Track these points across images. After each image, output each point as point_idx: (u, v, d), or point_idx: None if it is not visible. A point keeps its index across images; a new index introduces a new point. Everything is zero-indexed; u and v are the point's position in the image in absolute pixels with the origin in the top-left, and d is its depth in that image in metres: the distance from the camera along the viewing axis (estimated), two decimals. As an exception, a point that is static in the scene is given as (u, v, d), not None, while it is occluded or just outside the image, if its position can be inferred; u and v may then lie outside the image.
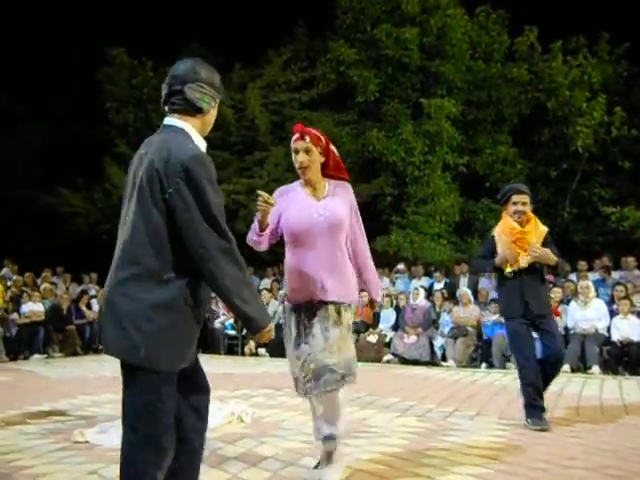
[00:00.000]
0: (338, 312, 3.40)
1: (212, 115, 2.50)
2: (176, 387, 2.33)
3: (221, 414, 5.22)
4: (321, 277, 3.35)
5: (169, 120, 2.42)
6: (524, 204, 4.98)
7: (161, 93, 2.45)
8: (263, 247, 3.52)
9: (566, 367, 8.77)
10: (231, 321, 11.97)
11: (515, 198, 4.99)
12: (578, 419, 5.36)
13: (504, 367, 9.14)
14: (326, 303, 3.37)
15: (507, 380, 7.53)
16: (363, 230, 3.62)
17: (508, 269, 4.99)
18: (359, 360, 10.14)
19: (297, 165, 3.44)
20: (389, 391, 6.91)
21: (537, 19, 16.26)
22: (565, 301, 9.93)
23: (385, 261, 14.41)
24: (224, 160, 16.01)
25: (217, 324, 11.95)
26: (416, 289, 10.80)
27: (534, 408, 4.90)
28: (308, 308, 3.41)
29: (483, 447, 4.36)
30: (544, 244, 4.96)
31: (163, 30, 18.50)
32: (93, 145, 17.06)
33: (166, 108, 2.44)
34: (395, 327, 10.51)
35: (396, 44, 16.11)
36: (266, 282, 13.72)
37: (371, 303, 3.90)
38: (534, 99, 16.34)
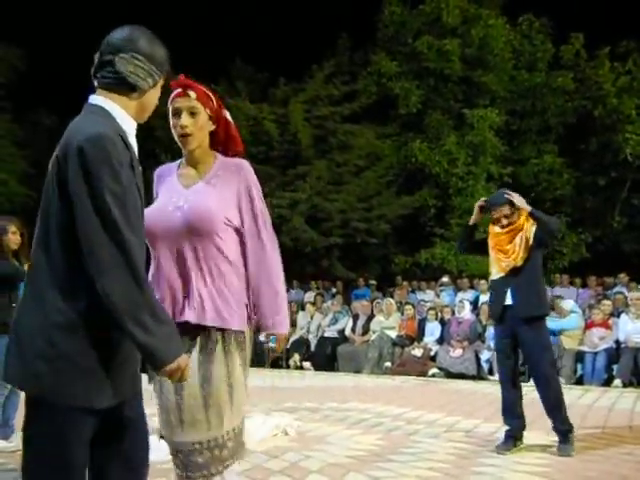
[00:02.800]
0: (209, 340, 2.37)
1: (151, 97, 2.01)
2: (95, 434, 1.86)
3: (266, 427, 5.23)
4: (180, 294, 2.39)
5: (92, 98, 1.94)
6: (506, 216, 4.72)
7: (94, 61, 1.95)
8: None
9: (617, 382, 8.54)
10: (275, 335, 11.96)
11: (494, 214, 4.80)
12: (631, 435, 5.20)
13: (553, 381, 8.93)
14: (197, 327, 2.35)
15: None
16: (266, 228, 2.49)
17: (493, 275, 4.88)
18: (403, 374, 10.04)
19: (177, 131, 2.47)
20: (435, 406, 6.82)
21: (582, 25, 16.05)
22: (616, 314, 9.68)
23: (429, 274, 14.30)
24: (267, 174, 16.13)
25: (261, 337, 11.98)
26: (461, 302, 10.67)
27: (505, 433, 4.71)
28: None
29: (532, 464, 4.26)
30: (534, 240, 4.64)
31: (207, 48, 18.80)
32: (140, 161, 17.32)
33: (95, 82, 1.96)
34: (440, 340, 10.38)
35: (438, 56, 16.08)
36: (310, 295, 13.73)
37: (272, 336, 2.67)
38: (580, 107, 16.07)
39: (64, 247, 1.79)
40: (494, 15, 16.41)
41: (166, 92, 2.21)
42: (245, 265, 2.47)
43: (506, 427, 4.75)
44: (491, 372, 9.67)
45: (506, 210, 4.73)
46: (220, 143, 2.55)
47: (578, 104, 16.15)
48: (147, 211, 2.22)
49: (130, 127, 1.95)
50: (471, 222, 4.99)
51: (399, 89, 16.09)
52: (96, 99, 1.93)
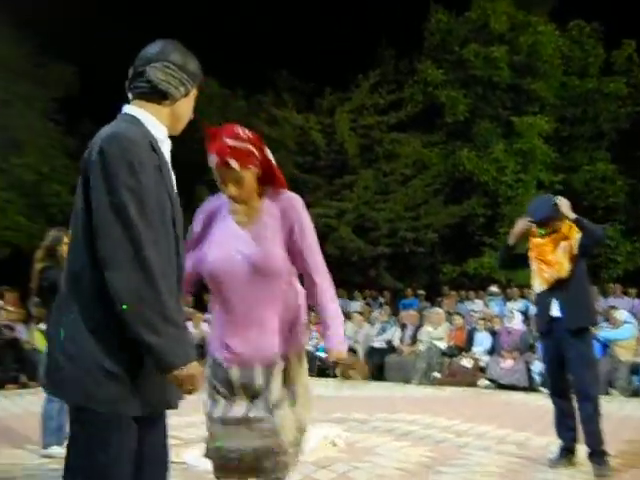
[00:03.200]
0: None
1: (184, 107, 2.00)
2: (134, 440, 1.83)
3: (314, 438, 5.21)
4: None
5: (125, 108, 1.96)
6: (553, 232, 4.57)
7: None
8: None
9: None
10: (323, 344, 11.99)
11: (542, 230, 4.63)
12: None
13: (607, 393, 8.69)
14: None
15: (609, 408, 7.15)
16: (314, 252, 2.58)
17: (536, 287, 4.70)
18: (453, 385, 9.93)
19: (226, 196, 2.52)
20: (485, 418, 6.70)
21: (634, 30, 15.66)
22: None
23: (478, 283, 14.11)
24: (314, 184, 16.21)
25: (310, 346, 12.00)
26: (511, 312, 10.49)
27: (559, 447, 4.58)
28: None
29: (588, 478, 4.14)
30: (579, 250, 4.46)
31: (253, 60, 19.05)
32: (187, 174, 17.67)
33: (129, 94, 1.98)
34: (490, 351, 10.22)
35: (485, 63, 15.93)
36: (356, 305, 13.69)
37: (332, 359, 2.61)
38: (634, 113, 15.68)
39: (89, 252, 1.76)
40: (543, 21, 16.17)
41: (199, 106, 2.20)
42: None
43: (559, 441, 4.63)
44: (543, 384, 9.46)
45: (554, 226, 4.56)
46: (267, 182, 2.55)
47: (631, 110, 15.77)
48: (210, 255, 2.46)
49: (161, 134, 1.94)
50: (510, 242, 4.77)
51: (445, 97, 15.99)
52: (128, 108, 1.95)
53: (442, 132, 16.72)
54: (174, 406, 1.93)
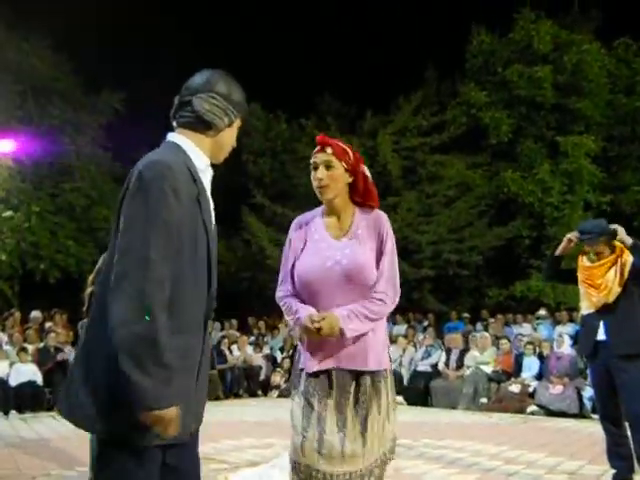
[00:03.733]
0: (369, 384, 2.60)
1: (228, 136, 2.02)
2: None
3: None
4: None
5: (169, 135, 1.99)
6: (600, 253, 4.47)
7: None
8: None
9: None
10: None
11: (588, 248, 4.53)
12: None
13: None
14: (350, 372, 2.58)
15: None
16: (390, 263, 2.66)
17: (583, 309, 4.59)
18: (500, 411, 9.70)
19: (315, 184, 2.65)
20: (535, 445, 6.53)
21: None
22: None
23: (525, 307, 13.86)
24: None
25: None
26: (560, 336, 10.25)
27: (613, 477, 4.41)
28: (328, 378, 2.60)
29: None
30: (631, 274, 4.35)
31: (295, 84, 19.27)
32: (232, 196, 17.95)
33: (174, 123, 2.01)
34: (539, 376, 9.98)
35: (529, 83, 15.80)
36: (400, 328, 13.57)
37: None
38: (684, 131, 15.34)
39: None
40: (587, 40, 15.99)
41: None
42: None
43: (612, 470, 4.48)
44: (594, 410, 9.20)
45: (601, 247, 4.46)
46: (358, 195, 2.70)
47: (682, 128, 15.44)
48: (305, 264, 2.60)
49: (202, 163, 1.95)
50: (557, 253, 4.71)
51: (489, 119, 15.88)
52: (171, 136, 1.98)
53: (486, 153, 16.58)
54: (192, 432, 1.92)
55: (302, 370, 2.63)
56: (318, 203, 2.80)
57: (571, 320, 12.14)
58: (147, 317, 1.63)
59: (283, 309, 2.71)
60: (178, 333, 1.74)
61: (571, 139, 15.16)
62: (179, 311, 1.76)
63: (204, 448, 6.34)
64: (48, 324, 11.62)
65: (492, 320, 13.12)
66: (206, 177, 1.97)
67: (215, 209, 2.00)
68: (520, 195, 15.24)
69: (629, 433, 4.39)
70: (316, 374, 2.57)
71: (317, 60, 20.48)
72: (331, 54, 20.42)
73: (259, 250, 16.09)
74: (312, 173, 2.66)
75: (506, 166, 15.87)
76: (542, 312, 12.83)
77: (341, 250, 2.60)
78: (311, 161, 2.68)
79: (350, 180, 2.66)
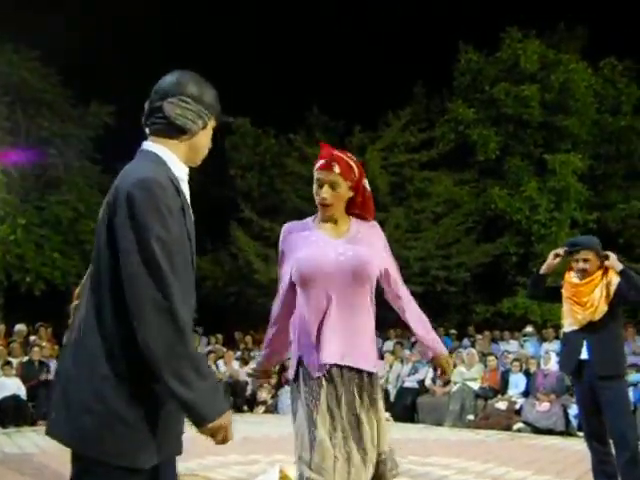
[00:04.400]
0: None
1: (202, 139, 1.97)
2: None
3: None
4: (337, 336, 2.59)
5: (145, 144, 1.93)
6: (585, 261, 4.44)
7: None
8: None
9: None
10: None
11: (576, 255, 4.50)
12: None
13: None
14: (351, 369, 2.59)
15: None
16: (396, 271, 2.86)
17: (566, 326, 4.54)
18: (487, 428, 9.67)
19: (318, 199, 2.68)
20: (521, 463, 6.52)
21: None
22: None
23: (512, 324, 13.89)
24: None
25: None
26: (547, 353, 10.24)
27: None
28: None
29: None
30: (614, 298, 4.33)
31: (284, 99, 19.34)
32: (219, 210, 17.92)
33: (147, 130, 1.96)
34: (526, 393, 9.98)
35: (516, 102, 15.94)
36: (389, 344, 13.55)
37: (438, 362, 2.91)
38: (670, 151, 15.52)
39: (113, 296, 1.73)
40: (574, 59, 16.18)
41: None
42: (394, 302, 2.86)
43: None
44: (581, 428, 9.19)
45: (590, 255, 4.44)
46: (356, 207, 2.75)
47: (667, 148, 15.62)
48: (305, 257, 2.58)
49: (181, 172, 1.91)
50: (542, 271, 4.70)
51: (477, 136, 15.99)
52: (148, 145, 1.92)
53: (474, 170, 16.67)
54: (181, 452, 1.91)
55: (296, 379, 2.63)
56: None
57: (557, 337, 12.15)
58: (180, 334, 1.66)
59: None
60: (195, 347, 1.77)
61: (558, 157, 15.28)
62: (190, 325, 1.77)
63: (190, 464, 6.33)
64: (32, 337, 11.50)
65: (479, 337, 13.13)
66: (186, 186, 1.93)
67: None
68: (507, 212, 15.33)
69: (614, 451, 4.39)
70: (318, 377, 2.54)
71: (306, 75, 20.58)
72: (320, 70, 20.53)
73: (246, 264, 16.04)
74: (315, 187, 2.68)
75: (493, 183, 15.97)
76: (529, 329, 12.86)
77: (342, 246, 2.63)
78: (316, 176, 2.68)
79: (351, 195, 2.70)
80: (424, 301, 15.99)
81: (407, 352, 12.17)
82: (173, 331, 1.65)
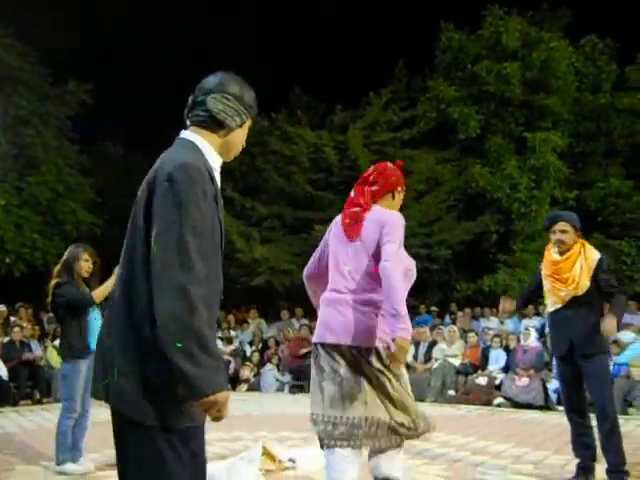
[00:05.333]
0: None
1: (238, 136, 2.11)
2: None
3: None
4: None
5: (183, 133, 2.07)
6: (563, 232, 4.51)
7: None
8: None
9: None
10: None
11: (554, 227, 4.58)
12: None
13: (626, 413, 8.57)
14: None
15: (629, 427, 7.06)
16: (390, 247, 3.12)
17: (550, 305, 4.59)
18: (468, 403, 9.77)
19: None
20: (501, 436, 6.63)
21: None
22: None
23: (492, 301, 14.01)
24: (328, 200, 16.23)
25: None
26: (527, 329, 10.38)
27: (577, 466, 4.52)
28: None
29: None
30: (595, 273, 4.41)
31: (266, 78, 19.18)
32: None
33: (187, 122, 2.09)
34: (505, 369, 10.12)
35: (497, 80, 15.93)
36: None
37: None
38: (648, 129, 15.62)
39: (145, 269, 1.84)
40: (556, 37, 16.18)
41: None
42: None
43: (577, 459, 4.56)
44: (559, 402, 9.35)
45: (565, 226, 4.51)
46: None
47: (646, 125, 15.72)
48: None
49: (215, 163, 2.04)
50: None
51: (458, 114, 15.98)
52: (186, 134, 2.05)
53: (455, 149, 16.68)
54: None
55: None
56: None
57: (537, 314, 12.33)
58: (192, 311, 1.75)
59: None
60: (210, 326, 1.85)
61: (539, 135, 15.32)
62: (210, 305, 1.86)
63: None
64: (13, 318, 11.43)
65: (460, 314, 13.25)
66: (218, 175, 2.05)
67: None
68: (488, 190, 15.38)
69: (593, 423, 4.48)
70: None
71: (288, 55, 20.45)
72: (302, 49, 20.40)
73: (228, 244, 16.00)
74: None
75: (474, 161, 15.99)
76: (510, 306, 12.97)
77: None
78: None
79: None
80: (406, 279, 16.09)
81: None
82: (185, 308, 1.74)
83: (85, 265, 5.18)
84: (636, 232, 15.63)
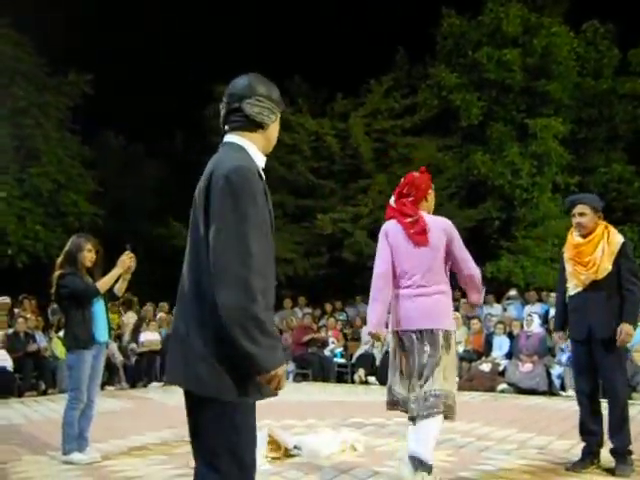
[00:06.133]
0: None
1: (274, 130, 2.37)
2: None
3: (334, 443, 5.20)
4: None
5: (228, 137, 2.30)
6: (582, 215, 4.50)
7: (220, 111, 2.32)
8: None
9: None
10: (341, 349, 11.99)
11: (573, 210, 4.57)
12: None
13: (630, 398, 8.57)
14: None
15: (633, 412, 7.06)
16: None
17: (571, 289, 4.58)
18: (472, 389, 9.78)
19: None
20: (505, 422, 6.65)
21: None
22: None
23: (495, 287, 14.02)
24: (329, 189, 16.21)
25: (327, 352, 11.99)
26: (530, 315, 10.40)
27: (583, 450, 4.54)
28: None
29: (612, 482, 4.09)
30: (618, 258, 4.40)
31: (266, 66, 19.07)
32: (198, 180, 17.79)
33: (226, 127, 2.32)
34: (509, 355, 10.14)
35: (498, 66, 15.84)
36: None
37: None
38: (651, 114, 15.55)
39: (206, 265, 2.08)
40: (557, 23, 16.08)
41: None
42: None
43: (582, 443, 4.58)
44: (563, 388, 9.38)
45: (585, 209, 4.50)
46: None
47: (648, 110, 15.65)
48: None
49: (260, 161, 2.29)
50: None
51: (460, 101, 15.90)
52: (231, 138, 2.28)
53: (457, 136, 16.62)
54: (276, 394, 2.21)
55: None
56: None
57: (540, 300, 12.33)
58: (252, 300, 2.00)
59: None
60: (266, 310, 2.08)
61: (540, 121, 15.26)
62: (266, 292, 2.09)
63: (163, 434, 6.36)
64: (17, 310, 11.46)
65: (463, 301, 13.25)
66: (263, 174, 2.27)
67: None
68: (490, 177, 15.34)
69: (606, 408, 4.50)
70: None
71: (288, 43, 20.34)
72: (302, 37, 20.30)
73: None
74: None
75: (476, 148, 15.94)
76: (512, 292, 12.99)
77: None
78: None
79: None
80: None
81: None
82: (246, 297, 1.99)
83: (88, 255, 5.18)
84: (638, 217, 15.61)
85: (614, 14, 16.22)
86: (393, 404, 4.09)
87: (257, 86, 2.29)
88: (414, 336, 3.91)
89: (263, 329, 2.01)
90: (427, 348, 3.85)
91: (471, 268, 4.10)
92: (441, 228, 4.07)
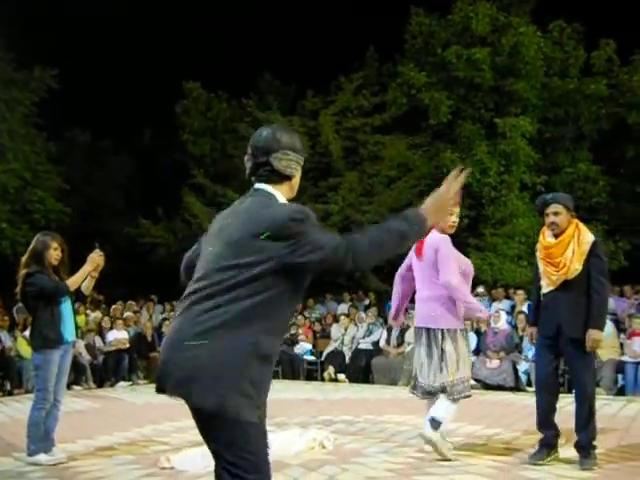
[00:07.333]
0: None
1: (298, 177, 2.48)
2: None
3: (302, 440, 5.21)
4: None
5: (258, 185, 2.39)
6: (556, 214, 4.56)
7: (246, 162, 2.41)
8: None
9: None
10: (310, 347, 12.00)
11: (547, 209, 4.62)
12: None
13: (593, 392, 8.74)
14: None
15: (597, 406, 7.19)
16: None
17: (543, 287, 4.66)
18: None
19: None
20: (473, 418, 6.72)
21: (616, 30, 15.80)
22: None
23: (463, 284, 14.14)
24: (299, 186, 16.15)
25: (297, 350, 11.99)
26: (497, 312, 10.52)
27: (540, 442, 4.64)
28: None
29: (577, 477, 4.17)
30: (589, 257, 4.48)
31: (235, 63, 19.04)
32: (172, 176, 17.65)
33: (253, 178, 2.41)
34: (476, 351, 10.25)
35: (467, 65, 15.96)
36: (343, 307, 13.71)
37: None
38: (615, 114, 15.81)
39: (253, 292, 2.15)
40: (525, 23, 16.26)
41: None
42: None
43: (541, 435, 4.67)
44: (529, 384, 9.52)
45: (558, 207, 4.56)
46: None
47: (612, 110, 15.91)
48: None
49: None
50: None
51: (429, 100, 15.99)
52: (262, 186, 2.36)
53: (426, 134, 16.72)
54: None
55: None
56: None
57: (507, 297, 12.50)
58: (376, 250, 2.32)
59: None
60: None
61: (509, 121, 15.42)
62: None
63: (144, 430, 6.33)
64: (-19, 309, 11.25)
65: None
66: None
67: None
68: (459, 176, 15.45)
69: (574, 403, 4.62)
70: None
71: (258, 39, 20.26)
72: (272, 33, 20.22)
73: (200, 231, 15.88)
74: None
75: (445, 147, 16.06)
76: (480, 289, 13.10)
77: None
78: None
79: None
80: (378, 264, 16.16)
81: (362, 314, 12.32)
82: (363, 251, 2.27)
83: (54, 253, 5.11)
84: (602, 216, 15.89)
85: (580, 14, 16.47)
86: (414, 388, 5.16)
87: (281, 139, 2.36)
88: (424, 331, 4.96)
89: (380, 244, 2.33)
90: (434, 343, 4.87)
91: (444, 279, 4.84)
92: (432, 245, 4.91)
